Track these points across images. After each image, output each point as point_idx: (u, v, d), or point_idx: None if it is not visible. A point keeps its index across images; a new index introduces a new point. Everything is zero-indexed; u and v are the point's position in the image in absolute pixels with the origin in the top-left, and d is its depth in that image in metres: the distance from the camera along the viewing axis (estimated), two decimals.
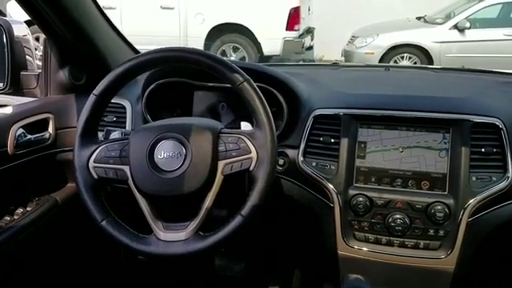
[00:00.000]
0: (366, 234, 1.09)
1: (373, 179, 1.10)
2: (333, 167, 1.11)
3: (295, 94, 1.19)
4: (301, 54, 6.42)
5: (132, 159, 0.92)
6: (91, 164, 0.93)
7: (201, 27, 6.37)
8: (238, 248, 1.57)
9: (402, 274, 1.10)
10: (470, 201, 1.03)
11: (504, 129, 1.05)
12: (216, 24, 6.31)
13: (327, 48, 6.93)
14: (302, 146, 1.13)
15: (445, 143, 1.07)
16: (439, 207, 1.04)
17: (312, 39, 6.89)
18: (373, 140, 1.11)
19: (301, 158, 1.13)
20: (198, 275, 1.64)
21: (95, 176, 0.93)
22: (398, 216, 1.06)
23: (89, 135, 0.95)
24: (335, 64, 1.72)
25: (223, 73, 0.92)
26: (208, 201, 0.91)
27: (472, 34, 5.80)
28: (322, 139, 1.12)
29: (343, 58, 6.51)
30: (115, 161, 0.93)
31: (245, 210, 0.89)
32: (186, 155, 0.92)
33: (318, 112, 1.14)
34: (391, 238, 1.08)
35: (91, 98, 0.94)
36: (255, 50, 6.36)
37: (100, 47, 1.27)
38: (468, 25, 5.79)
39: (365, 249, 1.10)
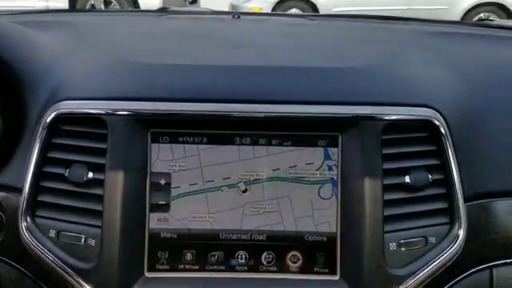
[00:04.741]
0: None
1: (187, 257, 0.52)
2: (92, 241, 0.50)
3: (9, 66, 0.55)
4: (184, 7, 5.83)
5: None
6: None
7: None
8: None
9: None
10: None
11: (446, 129, 0.53)
12: None
13: (214, 2, 6.34)
14: (27, 189, 0.51)
15: (329, 168, 0.51)
16: None
17: None
18: (183, 169, 0.51)
19: (24, 224, 0.51)
20: None
21: None
22: None
23: None
24: (163, 9, 1.07)
25: None
26: None
27: None
28: (67, 173, 0.51)
29: None
30: None
31: None
32: None
33: (62, 108, 0.52)
34: None
35: None
36: (130, 2, 5.77)
37: None
38: None
39: None
